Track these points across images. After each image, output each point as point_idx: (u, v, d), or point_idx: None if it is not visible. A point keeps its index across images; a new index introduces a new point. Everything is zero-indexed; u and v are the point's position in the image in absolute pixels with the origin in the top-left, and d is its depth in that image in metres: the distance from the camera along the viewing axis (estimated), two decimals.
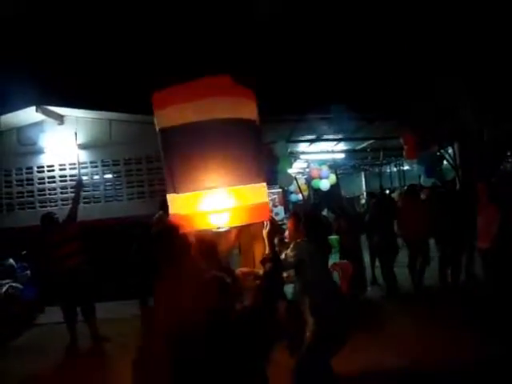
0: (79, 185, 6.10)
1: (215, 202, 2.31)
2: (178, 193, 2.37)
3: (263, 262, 2.51)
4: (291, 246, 3.41)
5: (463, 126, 7.98)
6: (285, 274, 3.48)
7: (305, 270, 3.31)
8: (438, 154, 8.97)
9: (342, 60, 8.59)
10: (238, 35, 8.52)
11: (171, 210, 2.52)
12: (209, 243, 3.48)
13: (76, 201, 5.80)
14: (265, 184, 2.54)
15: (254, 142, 2.51)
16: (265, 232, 2.54)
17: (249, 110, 2.46)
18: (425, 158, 8.29)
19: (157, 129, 2.51)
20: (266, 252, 2.53)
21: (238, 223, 2.46)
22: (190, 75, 2.31)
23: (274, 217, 5.62)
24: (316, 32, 8.61)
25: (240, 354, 2.08)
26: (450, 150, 10.24)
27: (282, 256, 3.39)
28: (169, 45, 8.60)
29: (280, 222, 4.96)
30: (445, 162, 9.48)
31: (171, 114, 2.38)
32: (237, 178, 2.33)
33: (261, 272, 2.53)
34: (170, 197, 2.50)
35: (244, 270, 3.19)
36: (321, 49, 8.66)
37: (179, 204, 2.40)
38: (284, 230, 4.14)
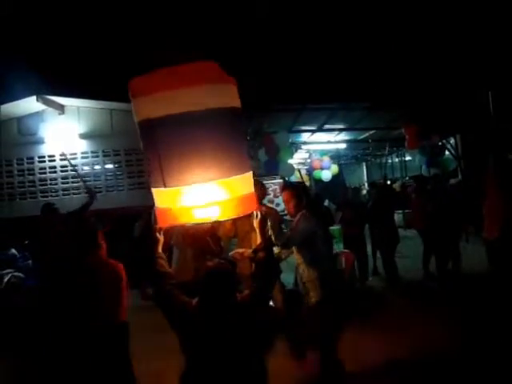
0: (91, 198, 5.90)
1: (206, 196, 2.23)
2: (166, 187, 2.25)
3: (255, 251, 2.48)
4: (297, 218, 3.30)
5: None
6: (283, 252, 3.44)
7: (317, 241, 3.25)
8: (440, 144, 8.93)
9: (344, 50, 8.52)
10: (240, 26, 8.46)
11: (158, 204, 2.39)
12: (200, 236, 3.50)
13: (85, 207, 5.72)
14: (251, 173, 2.46)
15: (240, 131, 2.45)
16: (256, 222, 2.47)
17: (234, 98, 2.37)
18: (426, 148, 8.26)
19: (136, 119, 2.32)
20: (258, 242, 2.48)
21: (228, 216, 2.39)
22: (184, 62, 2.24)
23: (273, 207, 5.61)
24: (319, 22, 8.53)
25: (239, 345, 2.08)
26: (452, 141, 10.22)
27: (288, 232, 3.36)
28: (171, 35, 8.53)
29: (281, 213, 4.92)
30: (446, 153, 9.45)
31: (157, 103, 2.19)
32: (226, 170, 2.24)
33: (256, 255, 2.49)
34: (156, 191, 2.36)
35: (240, 251, 3.15)
36: (324, 38, 8.58)
37: (169, 198, 2.29)
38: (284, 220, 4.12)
